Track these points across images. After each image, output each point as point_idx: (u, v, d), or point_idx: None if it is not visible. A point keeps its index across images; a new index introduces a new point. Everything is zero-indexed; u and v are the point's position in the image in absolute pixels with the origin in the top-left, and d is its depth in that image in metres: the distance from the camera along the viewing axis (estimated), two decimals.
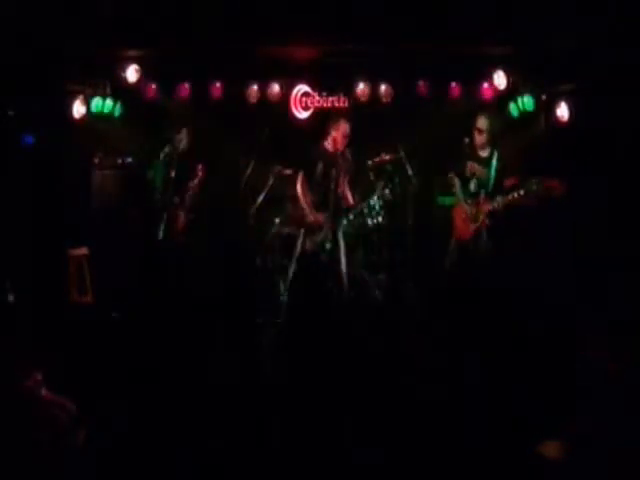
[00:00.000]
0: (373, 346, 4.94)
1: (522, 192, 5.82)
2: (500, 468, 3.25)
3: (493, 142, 6.15)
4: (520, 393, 3.86)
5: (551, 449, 2.80)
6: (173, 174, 6.40)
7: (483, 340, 4.78)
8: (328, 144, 6.39)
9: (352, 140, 6.42)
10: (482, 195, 6.08)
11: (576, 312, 4.88)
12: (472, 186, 6.19)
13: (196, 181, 6.65)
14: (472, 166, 6.18)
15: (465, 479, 3.30)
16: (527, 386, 3.93)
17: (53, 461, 2.78)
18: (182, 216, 6.59)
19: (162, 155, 6.51)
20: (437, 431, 3.63)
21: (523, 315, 5.29)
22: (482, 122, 6.15)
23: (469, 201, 6.18)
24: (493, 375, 4.17)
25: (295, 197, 6.45)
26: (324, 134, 6.44)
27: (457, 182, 6.27)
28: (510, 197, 5.90)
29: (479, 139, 6.16)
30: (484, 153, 6.19)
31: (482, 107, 7.02)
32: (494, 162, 6.06)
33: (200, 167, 6.68)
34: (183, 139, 6.64)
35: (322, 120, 6.96)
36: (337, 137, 6.32)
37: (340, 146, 6.33)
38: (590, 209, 6.22)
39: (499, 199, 5.95)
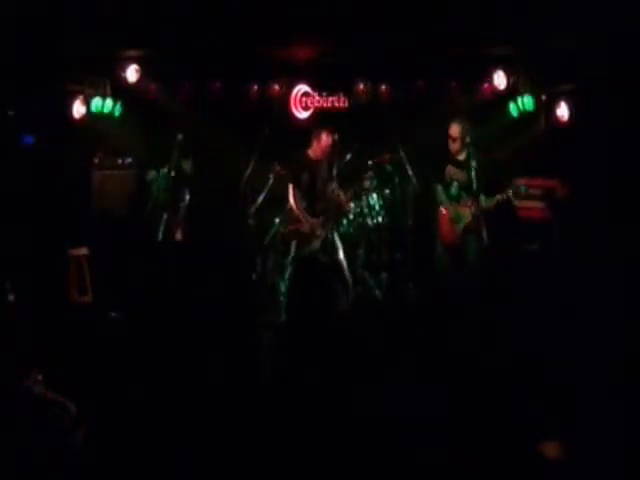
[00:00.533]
0: (373, 346, 4.94)
1: (510, 193, 5.91)
2: (500, 468, 3.25)
3: (468, 146, 6.17)
4: (520, 393, 3.86)
5: (551, 449, 2.80)
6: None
7: (482, 339, 4.78)
8: (311, 152, 6.54)
9: (351, 141, 6.46)
10: (465, 198, 6.15)
11: (576, 312, 4.88)
12: (453, 189, 6.25)
13: (183, 205, 6.73)
14: (450, 169, 6.27)
15: (465, 479, 3.30)
16: (527, 386, 3.93)
17: (53, 461, 2.78)
18: (178, 227, 6.65)
19: (161, 173, 6.59)
20: (437, 430, 3.63)
21: (522, 315, 5.29)
22: (454, 129, 6.24)
23: (452, 204, 6.25)
24: (493, 374, 4.17)
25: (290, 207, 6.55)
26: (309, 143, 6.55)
27: (439, 186, 6.34)
28: (499, 198, 5.97)
29: (453, 146, 6.26)
30: (461, 157, 6.24)
31: (482, 107, 7.05)
32: (473, 164, 6.08)
33: (187, 192, 6.77)
34: (188, 166, 6.77)
35: (322, 120, 6.98)
36: (317, 149, 6.48)
37: (321, 156, 6.49)
38: (590, 209, 6.22)
39: (487, 201, 6.01)
